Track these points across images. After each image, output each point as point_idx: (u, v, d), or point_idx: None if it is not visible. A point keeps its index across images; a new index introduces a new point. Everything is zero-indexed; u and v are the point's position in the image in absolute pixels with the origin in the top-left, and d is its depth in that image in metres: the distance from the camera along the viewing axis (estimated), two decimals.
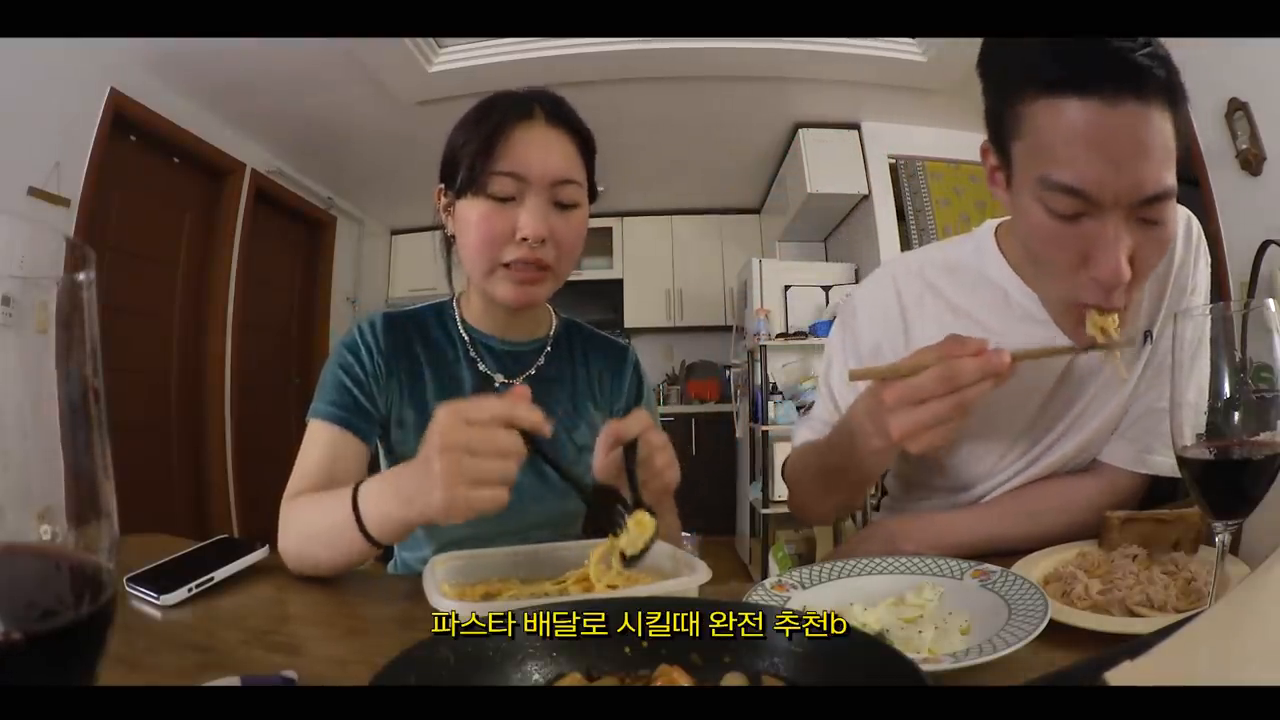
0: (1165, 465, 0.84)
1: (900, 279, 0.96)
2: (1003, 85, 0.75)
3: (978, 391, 0.66)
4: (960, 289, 0.92)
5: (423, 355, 0.95)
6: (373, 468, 0.92)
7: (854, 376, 0.80)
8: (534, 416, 0.65)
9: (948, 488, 0.97)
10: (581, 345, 1.04)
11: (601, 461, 0.76)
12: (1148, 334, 0.87)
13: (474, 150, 0.86)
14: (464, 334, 0.97)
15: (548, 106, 0.89)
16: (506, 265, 0.86)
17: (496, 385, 0.96)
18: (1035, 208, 0.73)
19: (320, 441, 0.88)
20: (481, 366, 0.96)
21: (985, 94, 0.78)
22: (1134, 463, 0.87)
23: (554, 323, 1.04)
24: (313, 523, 0.80)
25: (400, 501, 0.69)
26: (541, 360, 1.00)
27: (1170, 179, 0.69)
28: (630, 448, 0.75)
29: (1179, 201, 0.74)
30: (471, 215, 0.87)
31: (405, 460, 0.91)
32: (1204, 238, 0.88)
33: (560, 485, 0.73)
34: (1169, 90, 0.67)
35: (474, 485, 0.62)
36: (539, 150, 0.86)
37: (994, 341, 0.82)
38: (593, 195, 0.95)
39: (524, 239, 0.85)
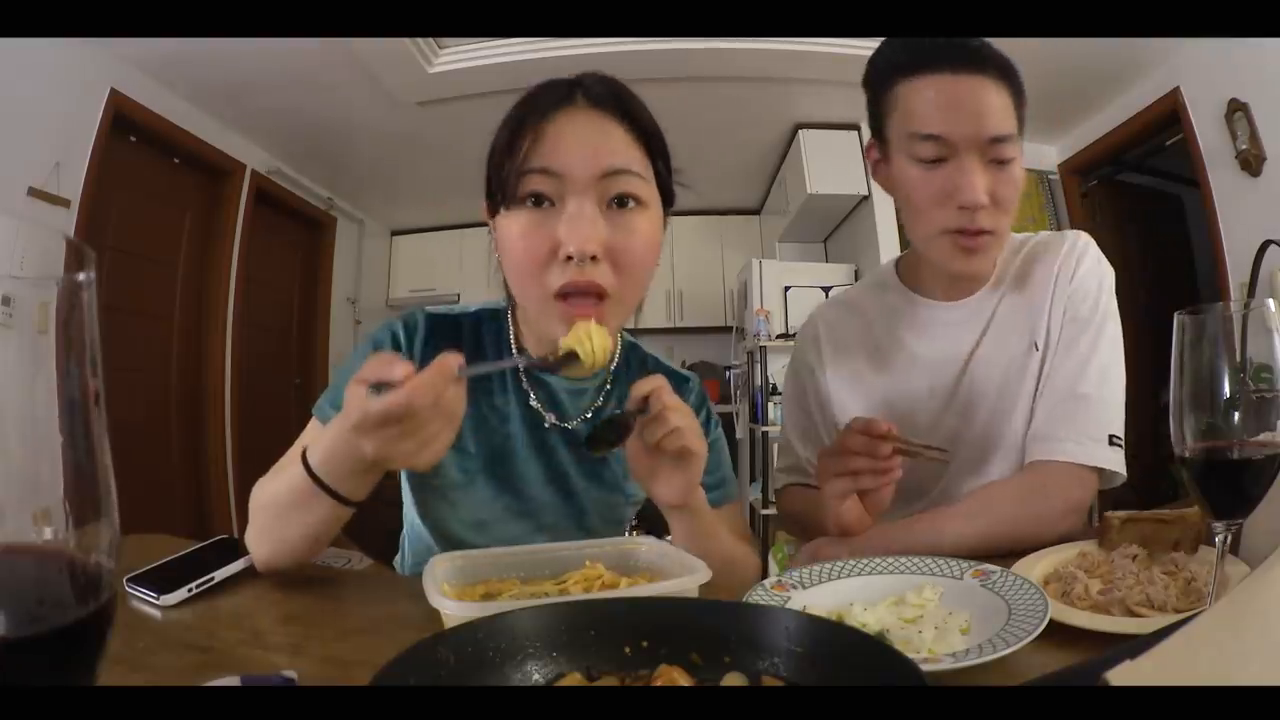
0: (1080, 453, 0.89)
1: (820, 323, 1.10)
2: (877, 83, 0.92)
3: (865, 462, 0.80)
4: (870, 307, 1.07)
5: None
6: (391, 484, 0.87)
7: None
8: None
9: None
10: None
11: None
12: (1035, 344, 0.94)
13: (501, 147, 0.71)
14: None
15: (593, 89, 0.72)
16: (559, 297, 0.69)
17: (545, 426, 0.85)
18: (906, 163, 0.89)
19: (310, 439, 0.80)
20: (533, 401, 0.84)
21: (868, 102, 0.95)
22: (1051, 453, 0.90)
23: (617, 351, 0.89)
24: (272, 494, 0.73)
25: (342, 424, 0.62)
26: (600, 400, 0.87)
27: (1009, 127, 0.85)
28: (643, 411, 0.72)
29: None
30: (508, 232, 0.71)
31: (426, 483, 0.85)
32: (1094, 246, 0.97)
33: (578, 505, 0.79)
34: (1000, 67, 0.86)
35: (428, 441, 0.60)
36: (577, 138, 0.68)
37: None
38: (667, 197, 0.79)
39: (569, 257, 0.67)
